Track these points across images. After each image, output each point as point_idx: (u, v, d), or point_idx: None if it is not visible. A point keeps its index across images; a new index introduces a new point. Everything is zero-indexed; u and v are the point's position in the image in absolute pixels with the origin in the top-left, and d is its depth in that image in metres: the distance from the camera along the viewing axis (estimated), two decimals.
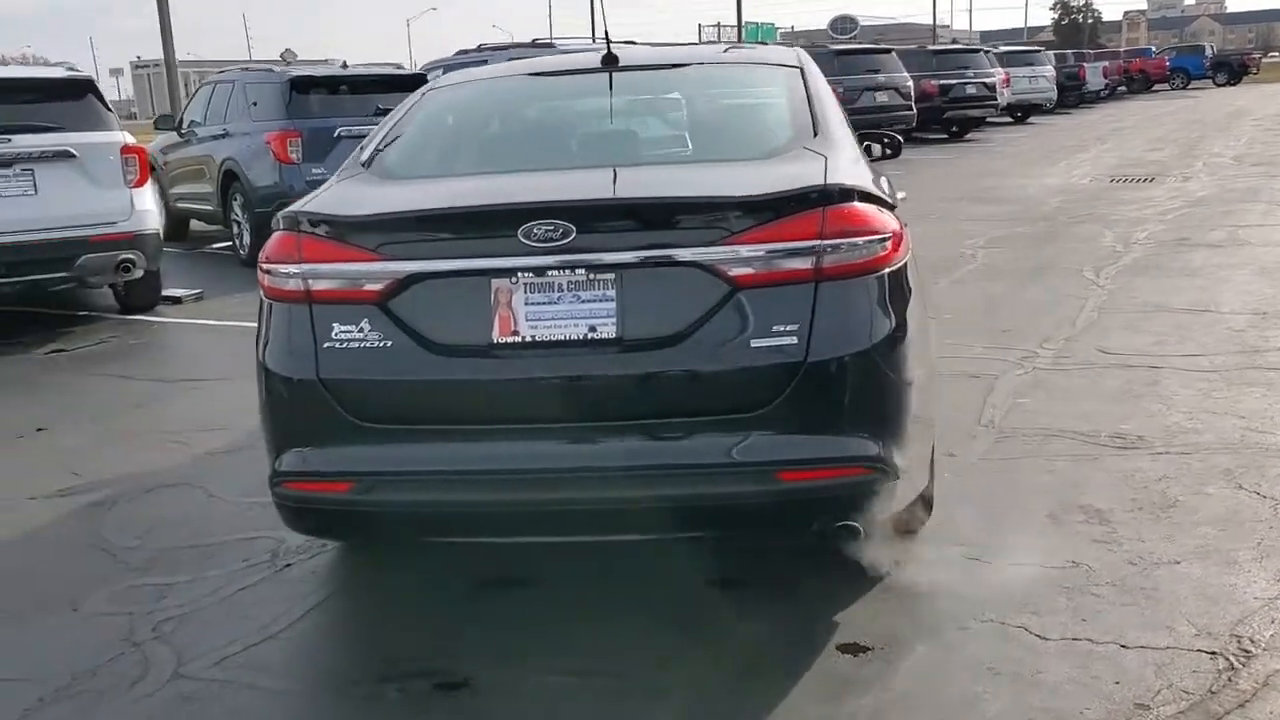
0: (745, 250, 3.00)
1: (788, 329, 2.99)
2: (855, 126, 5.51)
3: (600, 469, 3.00)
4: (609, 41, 4.05)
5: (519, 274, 3.04)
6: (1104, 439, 4.89)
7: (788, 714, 2.91)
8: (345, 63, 12.57)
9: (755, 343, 2.98)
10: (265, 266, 3.22)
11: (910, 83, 20.89)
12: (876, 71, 20.25)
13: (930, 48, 25.65)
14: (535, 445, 3.03)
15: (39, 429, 5.95)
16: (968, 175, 17.06)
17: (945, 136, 24.58)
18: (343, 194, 3.39)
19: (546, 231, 2.98)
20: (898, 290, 3.19)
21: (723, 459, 2.99)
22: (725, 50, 4.82)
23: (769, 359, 2.98)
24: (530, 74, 4.35)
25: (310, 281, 3.12)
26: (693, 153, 3.72)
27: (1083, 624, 3.30)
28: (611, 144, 3.85)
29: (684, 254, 3.01)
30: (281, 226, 3.22)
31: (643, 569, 3.71)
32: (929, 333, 3.58)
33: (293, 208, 3.24)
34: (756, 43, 38.69)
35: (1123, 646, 3.16)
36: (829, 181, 3.11)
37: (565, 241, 2.99)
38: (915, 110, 20.83)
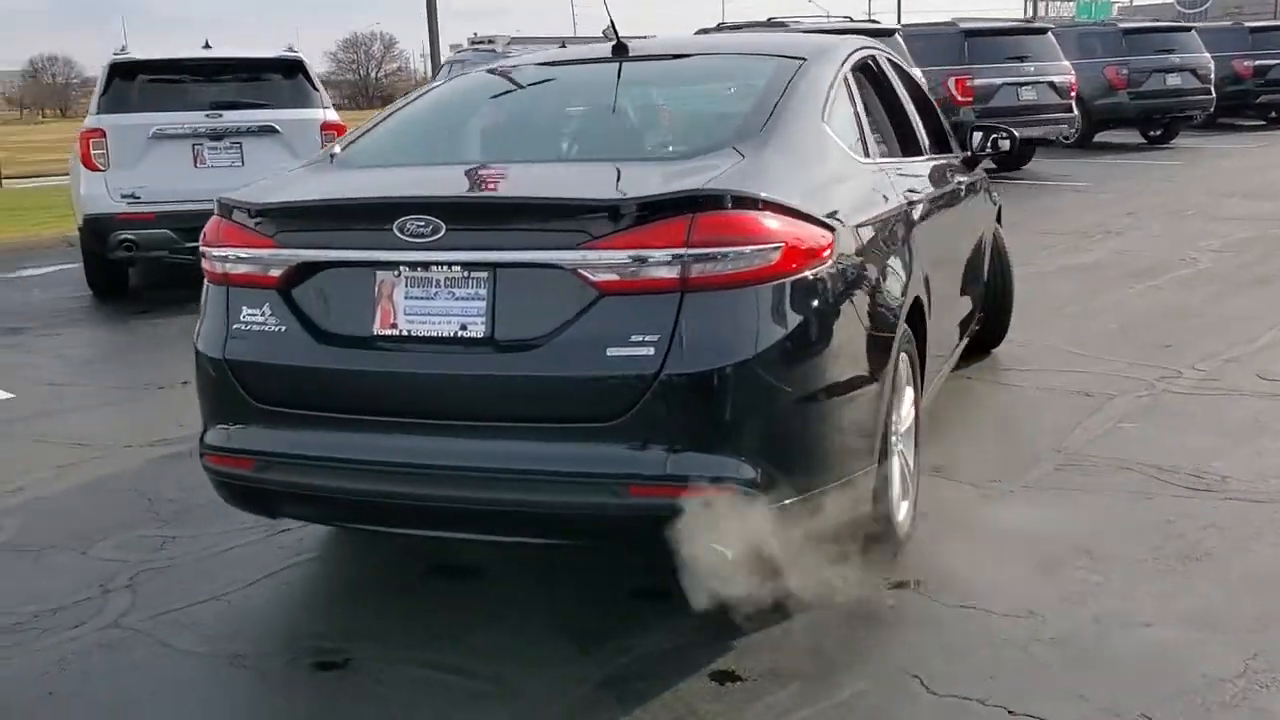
0: (608, 255, 2.89)
1: (646, 339, 2.87)
2: (940, 121, 5.21)
3: (459, 468, 2.99)
4: (616, 33, 3.98)
5: (400, 268, 3.07)
6: (1180, 476, 4.39)
7: None
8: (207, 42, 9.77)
9: (612, 351, 2.88)
10: (201, 249, 3.39)
11: (1210, 64, 18.71)
12: (1170, 51, 18.44)
13: (1246, 24, 23.01)
14: (404, 440, 3.05)
15: (184, 382, 6.49)
16: (1256, 168, 15.51)
17: (1263, 123, 22.35)
18: (278, 181, 3.52)
19: (418, 227, 2.99)
20: (795, 304, 2.99)
21: (576, 468, 2.92)
22: (743, 39, 4.63)
23: (623, 368, 2.87)
24: (538, 64, 4.34)
25: (227, 265, 3.27)
26: (621, 151, 3.60)
27: (987, 681, 3.00)
28: (545, 140, 3.79)
29: (549, 256, 2.94)
30: (216, 211, 3.38)
31: (584, 570, 3.67)
32: (877, 350, 3.33)
33: (228, 193, 3.40)
34: (1085, 20, 36.34)
35: (1010, 712, 2.85)
36: (705, 186, 2.94)
37: (435, 238, 2.99)
38: (1214, 94, 18.81)
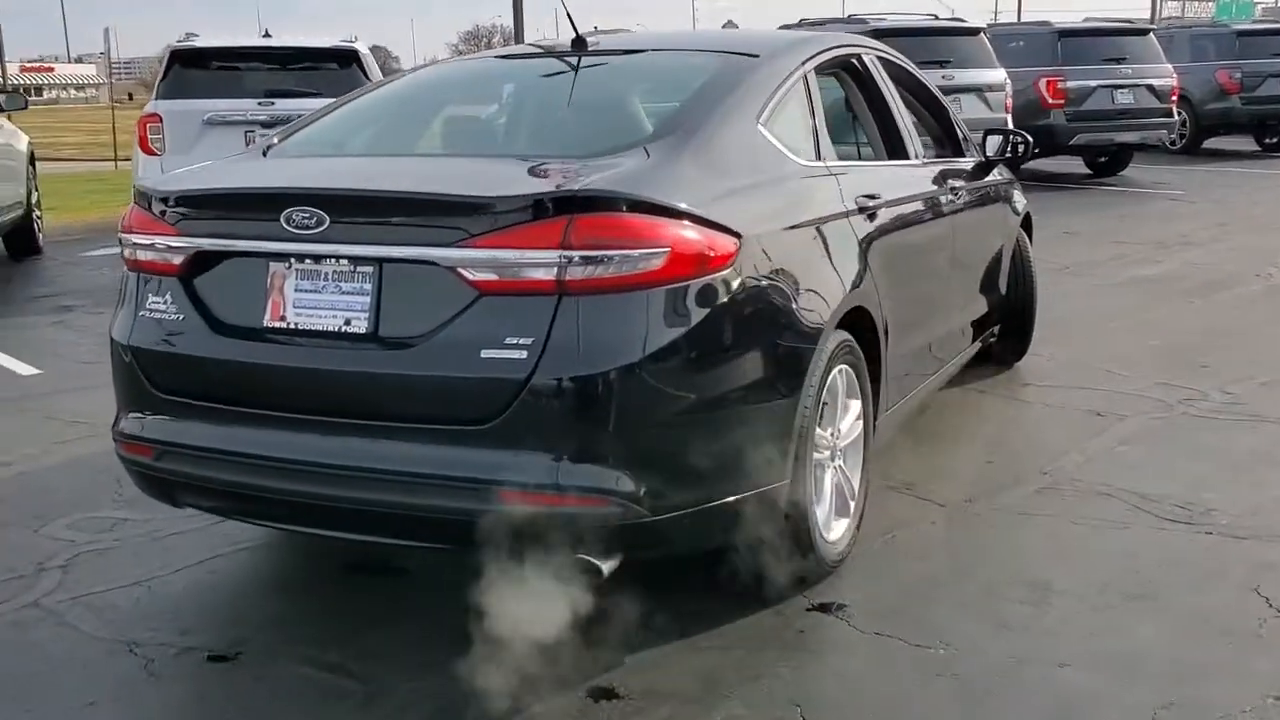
0: (484, 254, 2.81)
1: (520, 342, 2.78)
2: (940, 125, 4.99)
3: (336, 467, 2.94)
4: (574, 25, 3.89)
5: (290, 260, 3.03)
6: (1163, 506, 4.13)
7: None
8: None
9: (486, 353, 2.80)
10: (118, 236, 3.41)
11: (1168, 80, 16.71)
12: None
13: None
14: (287, 436, 3.01)
15: None
16: None
17: None
18: (199, 170, 3.51)
19: (303, 219, 2.94)
20: (681, 312, 2.86)
21: (447, 471, 2.84)
22: (712, 36, 4.47)
23: (495, 371, 2.78)
24: (497, 56, 4.27)
25: (138, 252, 3.27)
26: (532, 147, 3.50)
27: (869, 717, 2.84)
28: (463, 134, 3.72)
29: (428, 253, 2.87)
30: (133, 198, 3.39)
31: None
32: (790, 362, 3.19)
33: (142, 180, 3.40)
34: (1224, 20, 34.73)
35: None
36: (584, 187, 2.83)
37: (320, 230, 2.94)
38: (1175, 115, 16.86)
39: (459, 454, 2.83)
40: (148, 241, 3.23)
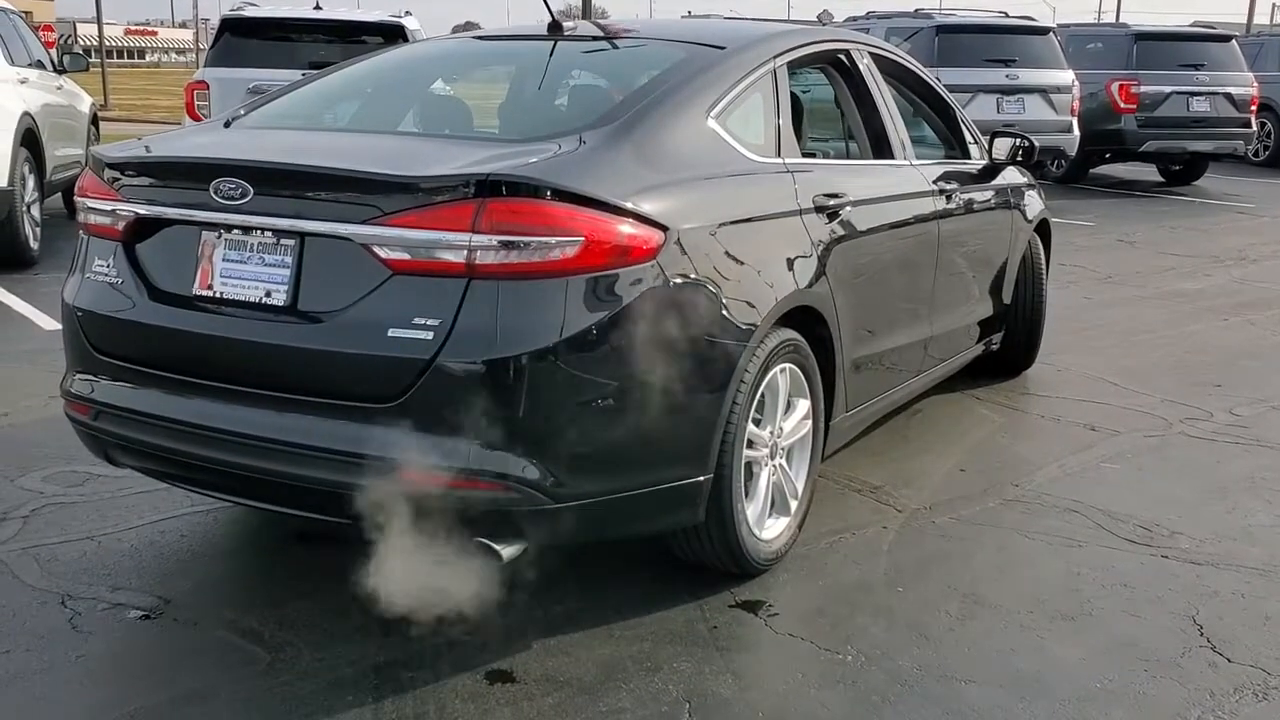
0: (396, 233, 2.83)
1: (427, 323, 2.80)
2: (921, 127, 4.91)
3: (247, 437, 2.98)
4: (550, 10, 3.90)
5: (220, 230, 3.08)
6: (1127, 527, 4.04)
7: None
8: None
9: (393, 332, 2.82)
10: (75, 198, 3.49)
11: (1247, 89, 14.48)
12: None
13: None
14: (206, 403, 3.07)
15: None
16: None
17: None
18: (155, 138, 3.57)
19: (229, 189, 2.99)
20: (594, 302, 2.86)
21: (351, 447, 2.87)
22: (688, 26, 4.43)
23: (400, 350, 2.81)
24: (474, 37, 4.28)
25: (89, 216, 3.35)
26: (469, 129, 3.50)
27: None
28: (409, 112, 3.73)
29: (344, 229, 2.89)
30: (89, 163, 3.47)
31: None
32: (716, 357, 3.17)
33: (97, 147, 3.48)
34: None
35: None
36: (496, 170, 2.83)
37: (243, 201, 2.99)
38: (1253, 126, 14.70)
39: (364, 431, 2.86)
40: (96, 206, 3.30)
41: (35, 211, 8.48)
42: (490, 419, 2.81)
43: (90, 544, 3.74)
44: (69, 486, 4.22)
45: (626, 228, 2.94)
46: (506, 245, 2.78)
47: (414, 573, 2.97)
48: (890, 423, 4.97)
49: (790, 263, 3.54)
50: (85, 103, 10.65)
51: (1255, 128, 15.07)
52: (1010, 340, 5.72)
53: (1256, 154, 17.38)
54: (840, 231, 3.84)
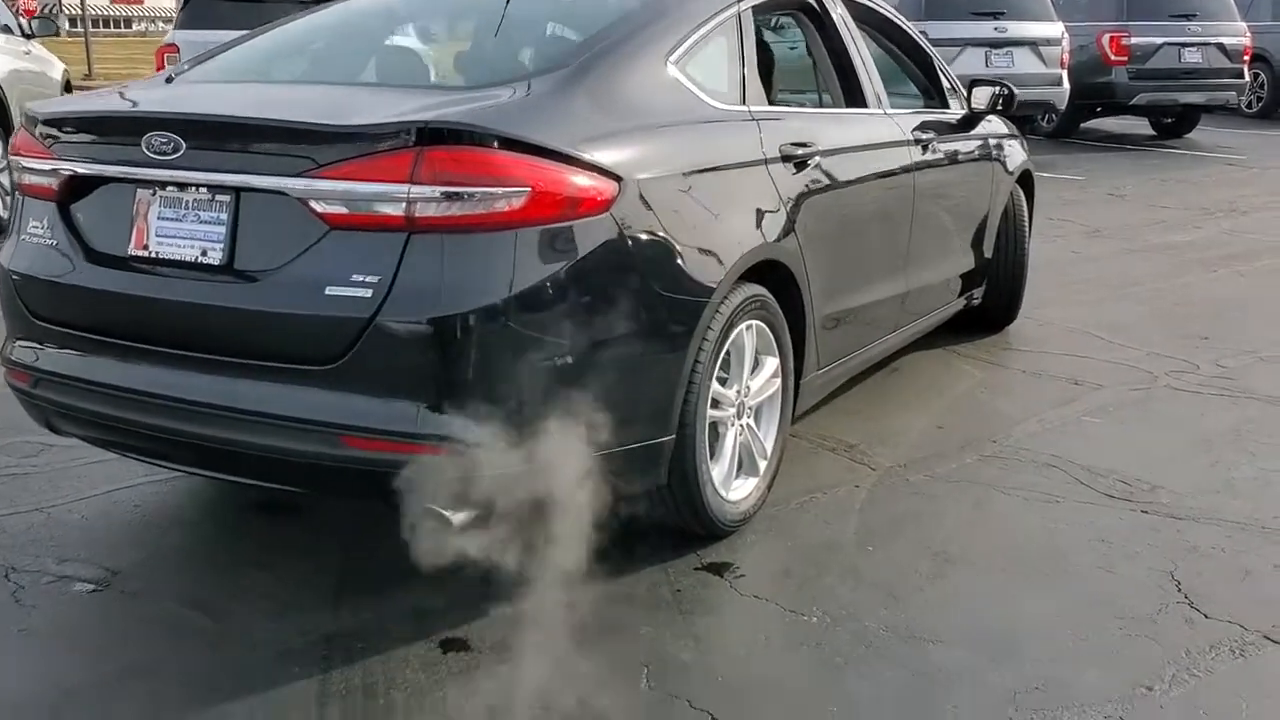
0: (332, 186, 2.71)
1: (366, 280, 2.68)
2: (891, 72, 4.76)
3: (187, 403, 2.88)
4: None
5: (155, 187, 2.96)
6: (1106, 482, 3.95)
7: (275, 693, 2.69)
8: None
9: (330, 290, 2.70)
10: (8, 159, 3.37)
11: (1240, 39, 14.09)
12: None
13: None
14: (144, 368, 2.96)
15: None
16: None
17: None
18: (88, 94, 3.44)
19: (160, 143, 2.87)
20: (543, 256, 2.75)
21: (292, 412, 2.77)
22: None
23: (338, 309, 2.69)
24: None
25: (25, 176, 3.23)
26: (415, 77, 3.37)
27: (713, 683, 2.74)
28: (354, 62, 3.59)
29: (278, 183, 2.77)
30: (23, 121, 3.34)
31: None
32: (676, 314, 3.06)
33: (32, 103, 3.35)
34: None
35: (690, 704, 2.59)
36: (435, 118, 2.71)
37: (175, 156, 2.86)
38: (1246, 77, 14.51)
39: (304, 395, 2.76)
40: (31, 165, 3.18)
41: (4, 180, 8.33)
42: (436, 381, 2.71)
43: (39, 515, 3.63)
44: (24, 458, 4.11)
45: (578, 178, 2.82)
46: (448, 197, 2.66)
47: (365, 541, 2.88)
48: (867, 379, 4.87)
49: (755, 215, 3.42)
50: (56, 69, 10.47)
51: (1248, 79, 14.86)
52: (992, 295, 5.61)
53: (1249, 105, 17.17)
54: (809, 182, 3.72)
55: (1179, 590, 3.18)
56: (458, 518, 2.79)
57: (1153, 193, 10.72)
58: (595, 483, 2.99)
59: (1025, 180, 5.77)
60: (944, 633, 2.95)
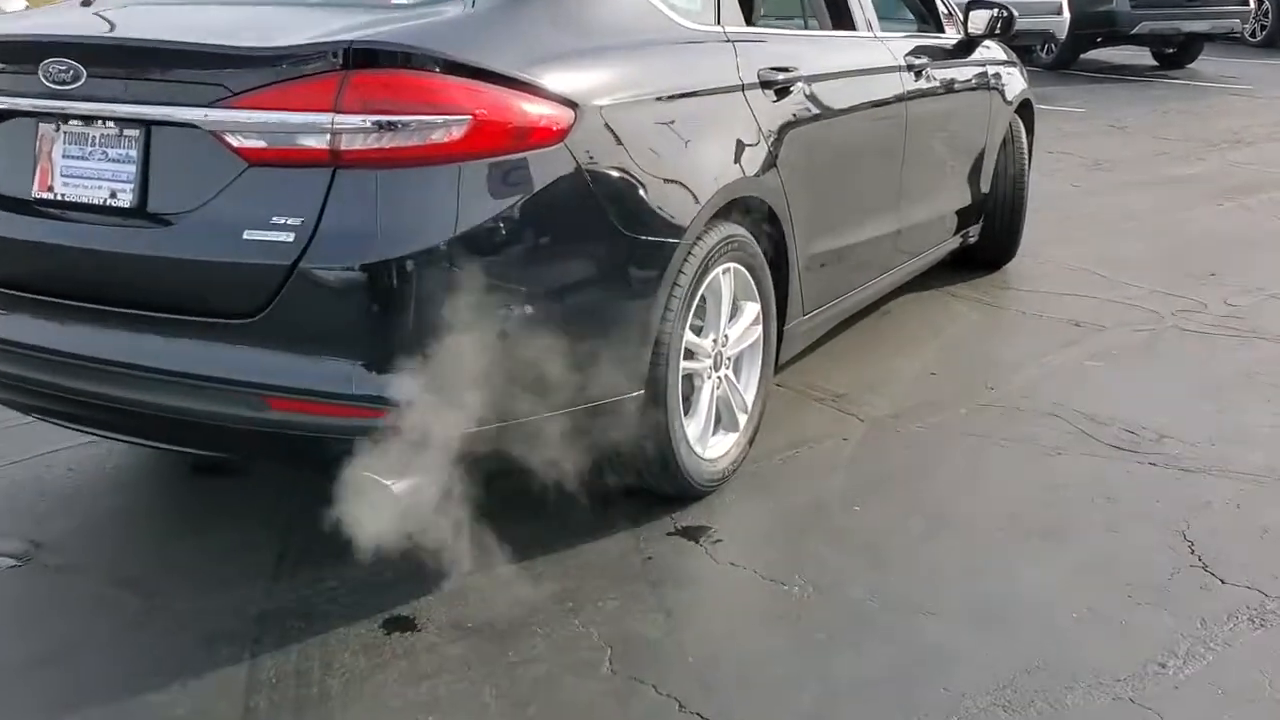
0: (247, 116, 2.41)
1: (288, 222, 2.39)
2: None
3: (102, 361, 2.59)
4: None
5: (58, 121, 2.66)
6: (1111, 431, 3.69)
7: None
8: None
9: (249, 234, 2.41)
10: None
11: None
12: None
13: None
14: (57, 324, 2.68)
15: None
16: None
17: None
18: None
19: (59, 71, 2.56)
20: (488, 193, 2.46)
21: (211, 371, 2.49)
22: None
23: (256, 256, 2.40)
24: None
25: None
26: None
27: (683, 664, 2.49)
28: None
29: (188, 114, 2.48)
30: None
31: None
32: (643, 256, 2.78)
33: None
34: None
35: (681, 706, 2.34)
36: (362, 37, 2.40)
37: (75, 86, 2.56)
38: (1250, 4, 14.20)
39: (224, 352, 2.48)
40: None
41: None
42: (371, 335, 2.43)
43: (8, 474, 3.37)
44: None
45: (528, 105, 2.52)
46: (378, 127, 2.36)
47: (313, 507, 2.62)
48: (857, 323, 4.59)
49: (732, 147, 3.13)
50: (16, 4, 10.05)
51: (1253, 6, 14.43)
52: (989, 232, 5.31)
53: (1254, 34, 16.70)
54: (792, 111, 3.42)
55: (1192, 552, 2.93)
56: (400, 486, 2.52)
57: (1155, 124, 10.37)
58: (555, 444, 2.72)
59: (1025, 110, 5.45)
60: (935, 604, 2.70)
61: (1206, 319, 4.85)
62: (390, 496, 2.52)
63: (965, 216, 5.01)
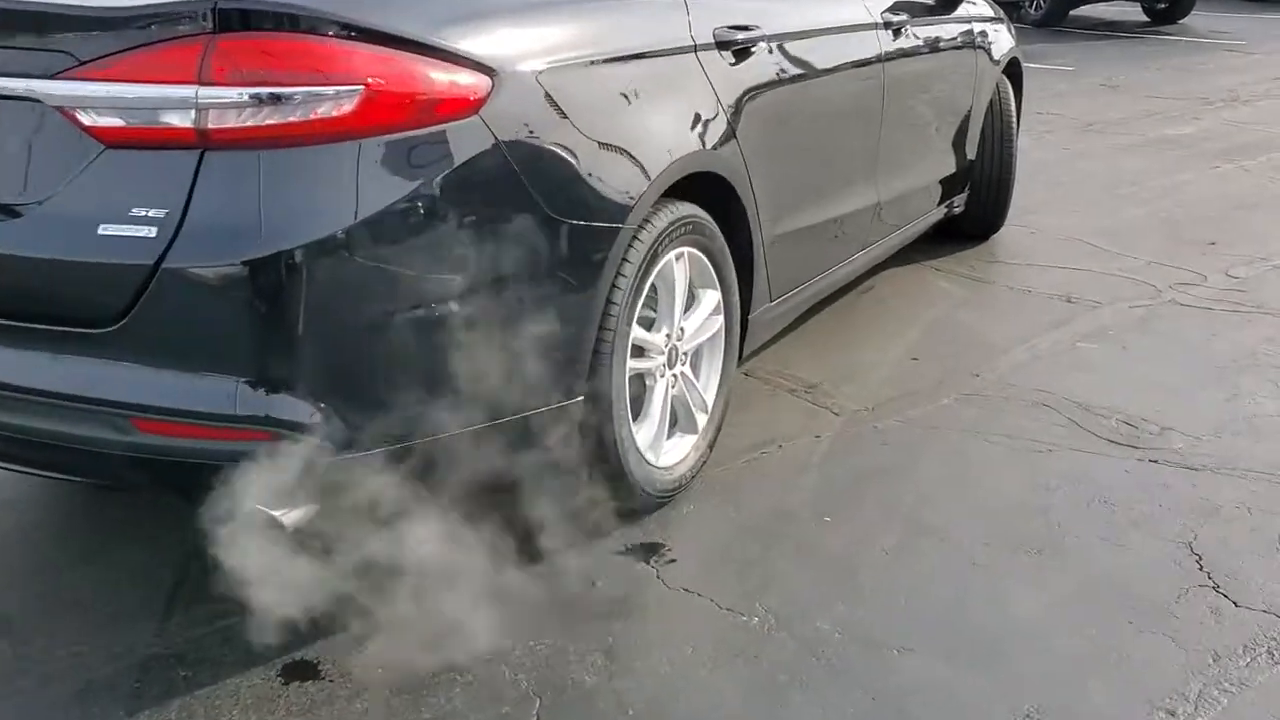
0: (99, 89, 2.06)
1: (150, 214, 2.04)
2: None
3: None
4: None
5: None
6: (1108, 424, 3.37)
7: None
8: None
9: (105, 229, 2.06)
10: None
11: None
12: None
13: None
14: None
15: None
16: None
17: None
18: None
19: None
20: (386, 175, 2.11)
21: (67, 388, 2.14)
22: None
23: (115, 254, 2.05)
24: None
25: None
26: None
27: (622, 717, 2.16)
28: None
29: (30, 86, 2.12)
30: None
31: None
32: (582, 245, 2.44)
33: None
34: None
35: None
36: None
37: None
38: None
39: (81, 366, 2.13)
40: None
41: None
42: (254, 344, 2.08)
43: None
44: None
45: (433, 71, 2.17)
46: (254, 100, 2.01)
47: (195, 544, 2.28)
48: (833, 304, 4.25)
49: (683, 117, 2.78)
50: None
51: None
52: (975, 201, 4.97)
53: None
54: (754, 75, 3.07)
55: (1200, 568, 2.61)
56: (292, 517, 2.18)
57: (1148, 82, 10.01)
58: (481, 461, 2.38)
59: (1012, 70, 5.09)
60: (912, 636, 2.38)
61: (1206, 293, 4.53)
62: (280, 529, 2.19)
63: (950, 186, 4.66)
